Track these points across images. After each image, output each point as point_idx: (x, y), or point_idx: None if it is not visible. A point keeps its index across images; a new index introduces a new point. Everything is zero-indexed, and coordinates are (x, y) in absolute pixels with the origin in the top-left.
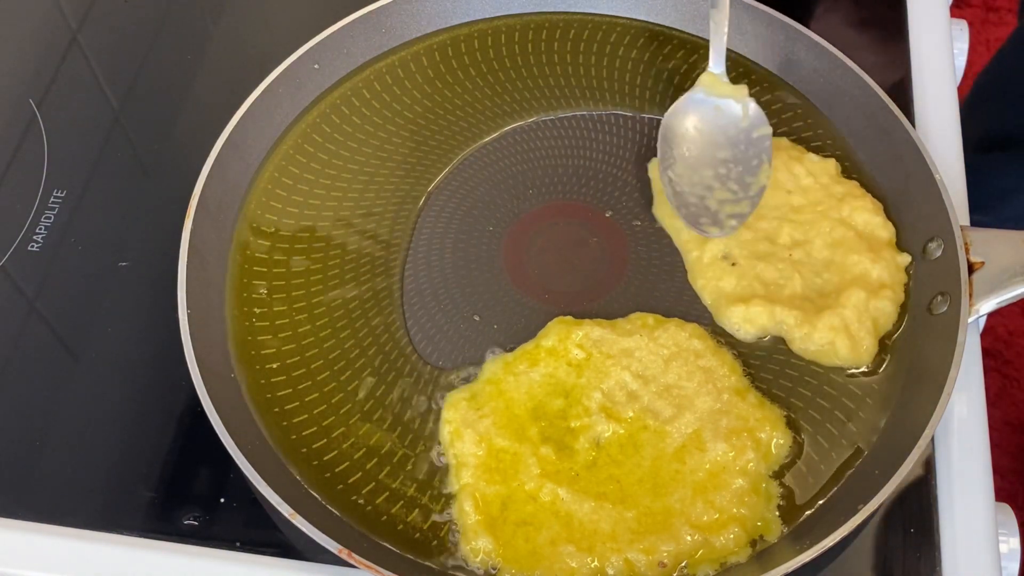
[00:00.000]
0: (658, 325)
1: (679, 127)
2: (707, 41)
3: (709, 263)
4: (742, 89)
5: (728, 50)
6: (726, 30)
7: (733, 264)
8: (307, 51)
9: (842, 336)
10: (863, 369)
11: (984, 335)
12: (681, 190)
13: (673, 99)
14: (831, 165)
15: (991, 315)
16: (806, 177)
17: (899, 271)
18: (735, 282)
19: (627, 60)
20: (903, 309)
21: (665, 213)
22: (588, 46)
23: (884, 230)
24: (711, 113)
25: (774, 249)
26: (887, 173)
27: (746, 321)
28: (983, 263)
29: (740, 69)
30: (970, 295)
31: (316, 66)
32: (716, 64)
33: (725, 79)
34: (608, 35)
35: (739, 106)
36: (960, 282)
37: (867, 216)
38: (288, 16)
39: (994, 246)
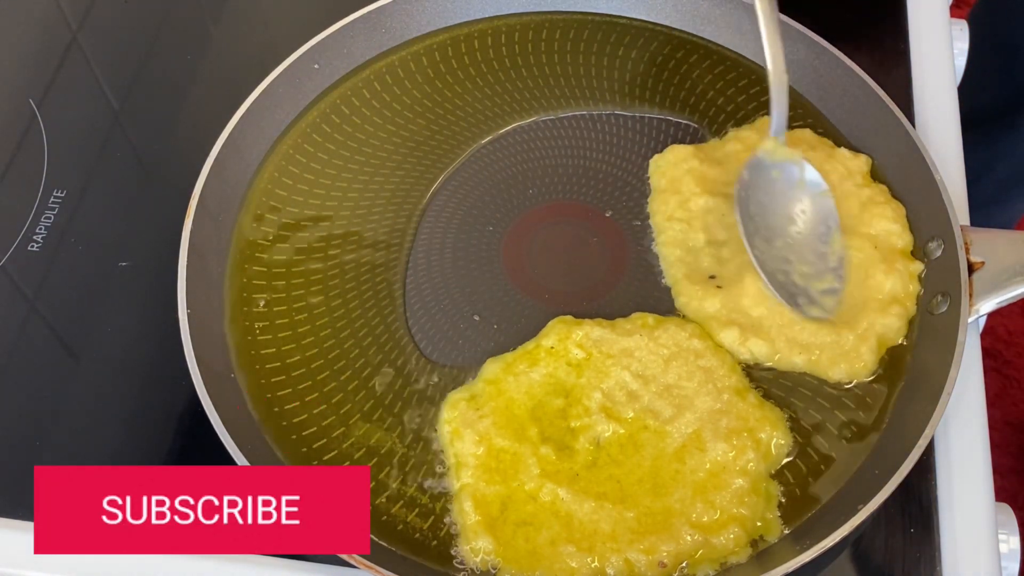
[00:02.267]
0: (658, 325)
1: (748, 198)
2: (707, 41)
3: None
4: (796, 152)
5: (727, 50)
6: (787, 99)
7: (719, 287)
8: (307, 51)
9: (840, 359)
10: (855, 383)
11: (984, 335)
12: (770, 268)
13: (673, 98)
14: (863, 162)
15: (991, 315)
16: (837, 180)
17: (912, 281)
18: (719, 305)
19: (627, 60)
20: (910, 321)
21: (656, 210)
22: (588, 46)
23: (900, 239)
24: (771, 178)
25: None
26: (887, 173)
27: (739, 345)
28: (983, 263)
29: (740, 69)
30: (970, 295)
31: (316, 66)
32: (776, 130)
33: (783, 142)
34: (608, 35)
35: (796, 168)
36: (960, 282)
37: (886, 224)
38: (288, 16)
39: (994, 246)
